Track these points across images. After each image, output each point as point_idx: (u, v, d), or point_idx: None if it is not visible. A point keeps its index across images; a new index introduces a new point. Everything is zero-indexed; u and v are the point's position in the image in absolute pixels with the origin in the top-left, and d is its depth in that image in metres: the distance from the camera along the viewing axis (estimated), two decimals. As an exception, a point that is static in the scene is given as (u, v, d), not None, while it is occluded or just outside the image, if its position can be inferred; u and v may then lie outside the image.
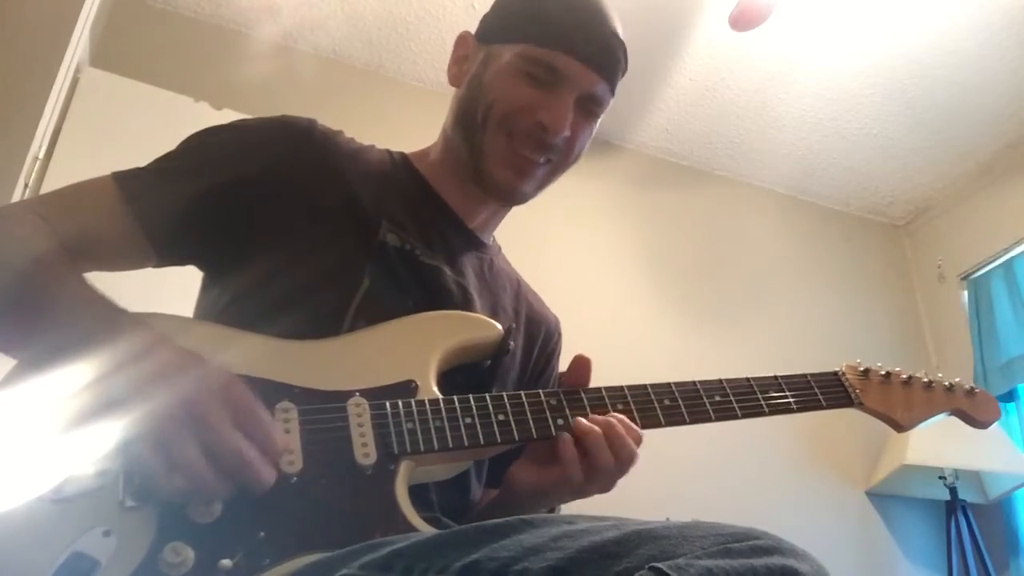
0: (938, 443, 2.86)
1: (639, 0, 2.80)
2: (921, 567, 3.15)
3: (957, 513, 2.92)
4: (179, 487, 0.73)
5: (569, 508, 1.01)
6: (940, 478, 2.97)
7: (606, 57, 1.09)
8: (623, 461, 0.93)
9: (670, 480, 2.89)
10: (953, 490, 2.95)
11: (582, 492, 0.95)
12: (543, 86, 1.06)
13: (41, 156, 2.29)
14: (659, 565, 0.54)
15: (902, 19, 2.91)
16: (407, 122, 2.34)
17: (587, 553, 0.58)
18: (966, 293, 3.55)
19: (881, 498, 3.22)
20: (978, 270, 3.51)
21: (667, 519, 0.64)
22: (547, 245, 3.07)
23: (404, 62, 3.26)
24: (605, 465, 0.92)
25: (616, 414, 0.95)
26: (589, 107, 1.10)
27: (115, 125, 2.44)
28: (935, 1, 2.83)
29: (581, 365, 1.01)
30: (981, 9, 2.85)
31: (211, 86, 2.76)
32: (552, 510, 1.05)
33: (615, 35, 1.10)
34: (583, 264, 3.24)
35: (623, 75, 1.14)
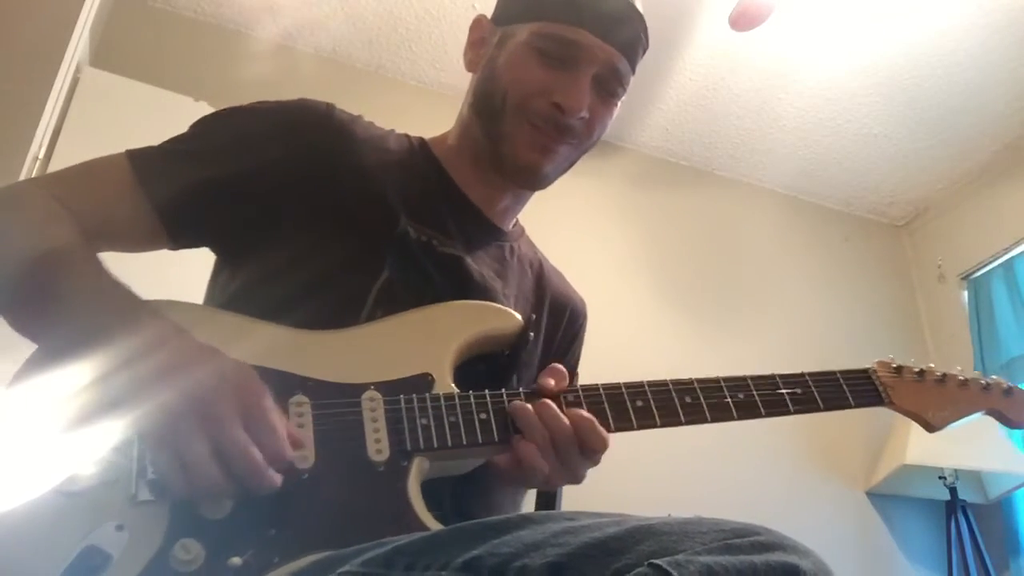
0: (938, 443, 2.86)
1: (640, 0, 2.79)
2: (921, 567, 3.15)
3: (957, 513, 2.92)
4: (187, 486, 0.73)
5: (571, 504, 1.01)
6: (940, 478, 2.97)
7: (624, 30, 1.06)
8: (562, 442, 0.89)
9: (670, 479, 2.89)
10: (953, 490, 2.95)
11: (547, 484, 0.92)
12: (558, 65, 1.03)
13: (41, 156, 2.28)
14: (659, 562, 0.54)
15: (902, 19, 2.91)
16: (407, 122, 2.33)
17: (587, 549, 0.58)
18: (966, 293, 3.55)
19: (881, 498, 3.22)
20: (978, 270, 3.51)
21: (669, 515, 0.64)
22: (546, 245, 3.05)
23: (404, 62, 3.26)
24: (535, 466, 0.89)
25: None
26: (609, 86, 1.07)
27: (115, 125, 2.43)
28: (935, 1, 2.83)
29: (555, 376, 0.95)
30: (981, 9, 2.85)
31: (211, 86, 2.75)
32: (552, 502, 1.04)
33: (634, 10, 1.08)
34: (582, 264, 3.22)
35: (644, 53, 1.11)
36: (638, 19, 1.09)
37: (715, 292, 3.43)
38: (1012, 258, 3.38)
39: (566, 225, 3.21)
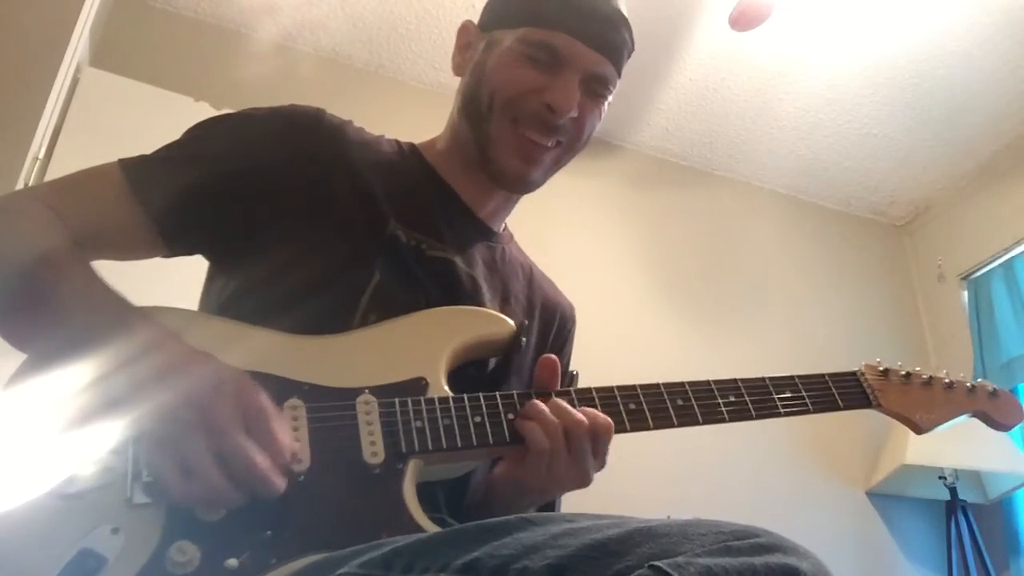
0: (938, 443, 2.86)
1: (639, 0, 2.80)
2: (921, 567, 3.15)
3: (957, 513, 2.92)
4: (191, 493, 0.73)
5: (570, 505, 1.01)
6: (940, 478, 2.97)
7: (609, 36, 1.07)
8: (577, 446, 0.90)
9: (670, 479, 2.89)
10: (953, 490, 2.95)
11: (553, 480, 0.92)
12: (547, 68, 1.04)
13: (41, 156, 2.28)
14: (659, 563, 0.54)
15: (902, 19, 2.91)
16: (407, 122, 2.33)
17: (587, 551, 0.58)
18: (966, 293, 3.55)
19: (881, 498, 3.22)
20: (978, 270, 3.51)
21: (668, 517, 0.64)
22: (546, 245, 3.05)
23: (404, 62, 3.26)
24: (545, 447, 0.89)
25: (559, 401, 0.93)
26: (595, 88, 1.08)
27: (115, 125, 2.43)
28: (935, 1, 2.83)
29: (547, 367, 0.97)
30: (981, 9, 2.85)
31: (211, 86, 2.76)
32: (552, 504, 1.04)
33: (618, 14, 1.09)
34: (582, 264, 3.24)
35: (630, 55, 1.12)
36: (623, 23, 1.10)
37: (715, 292, 3.43)
38: (1012, 258, 3.38)
39: (566, 225, 3.21)
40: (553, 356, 0.97)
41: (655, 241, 3.45)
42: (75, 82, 2.50)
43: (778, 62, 3.13)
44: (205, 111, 2.52)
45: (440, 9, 3.01)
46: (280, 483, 0.76)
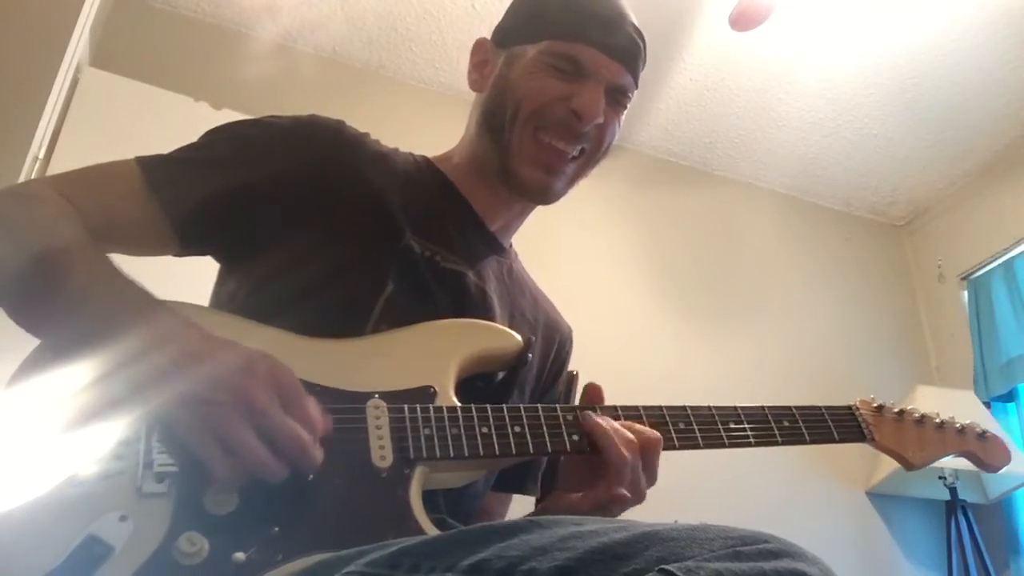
0: (938, 443, 2.85)
1: (639, 0, 2.79)
2: (921, 567, 3.15)
3: (957, 513, 2.92)
4: (238, 471, 0.74)
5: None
6: (940, 478, 2.97)
7: (628, 47, 1.10)
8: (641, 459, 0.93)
9: (671, 479, 2.88)
10: (953, 490, 2.95)
11: (616, 503, 0.94)
12: (571, 78, 1.07)
13: (41, 156, 2.28)
14: (668, 567, 0.54)
15: (902, 19, 2.91)
16: (407, 122, 2.33)
17: (595, 554, 0.58)
18: (966, 293, 3.55)
19: (881, 498, 3.22)
20: (978, 270, 3.51)
21: (676, 521, 0.64)
22: (546, 245, 3.06)
23: (404, 62, 3.25)
24: (619, 462, 0.91)
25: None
26: (617, 98, 1.11)
27: (115, 125, 2.43)
28: (935, 1, 2.83)
29: (593, 394, 1.00)
30: (981, 9, 2.85)
31: (211, 86, 2.75)
32: None
33: (634, 26, 1.12)
34: (582, 264, 3.24)
35: (644, 66, 1.15)
36: (639, 34, 1.12)
37: (715, 292, 3.43)
38: (1012, 258, 3.37)
39: (565, 225, 3.21)
40: (598, 384, 1.00)
41: (655, 241, 3.45)
42: (75, 82, 2.50)
43: (778, 62, 3.13)
44: (205, 111, 2.54)
45: (440, 9, 3.01)
46: (320, 454, 0.78)
